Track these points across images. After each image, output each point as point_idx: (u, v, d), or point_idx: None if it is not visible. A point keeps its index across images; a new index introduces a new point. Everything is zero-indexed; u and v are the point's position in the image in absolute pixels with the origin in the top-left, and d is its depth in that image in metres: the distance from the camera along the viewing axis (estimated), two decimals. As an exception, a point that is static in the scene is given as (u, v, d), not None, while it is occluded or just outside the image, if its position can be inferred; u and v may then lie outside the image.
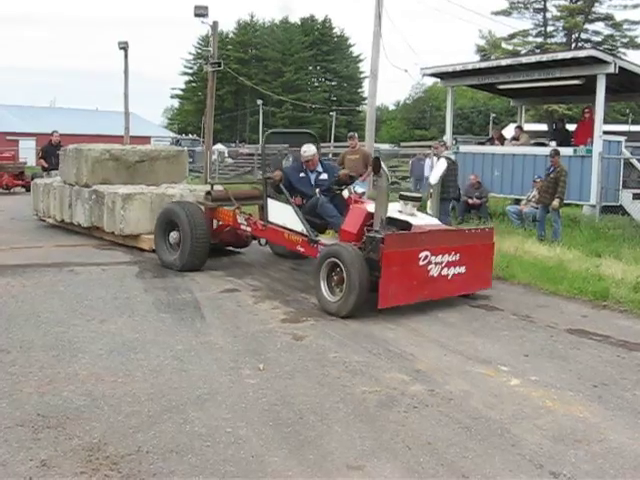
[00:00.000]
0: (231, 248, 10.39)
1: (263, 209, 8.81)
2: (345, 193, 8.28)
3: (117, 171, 12.00)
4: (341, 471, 3.68)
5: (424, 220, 7.88)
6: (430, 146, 15.94)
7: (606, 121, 15.09)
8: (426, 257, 7.12)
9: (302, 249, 8.12)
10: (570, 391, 4.96)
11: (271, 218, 8.57)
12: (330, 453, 3.88)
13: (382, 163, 7.29)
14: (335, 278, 7.13)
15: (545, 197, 12.16)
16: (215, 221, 9.62)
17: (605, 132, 14.38)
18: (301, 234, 8.08)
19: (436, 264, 7.23)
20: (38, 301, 7.20)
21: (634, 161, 14.90)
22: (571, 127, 17.36)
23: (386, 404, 4.62)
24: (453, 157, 12.45)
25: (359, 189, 8.31)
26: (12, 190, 22.13)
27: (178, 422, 4.22)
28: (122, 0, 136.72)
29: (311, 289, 8.07)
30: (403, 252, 7.00)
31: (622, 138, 14.97)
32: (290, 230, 8.25)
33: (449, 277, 7.41)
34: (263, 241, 9.65)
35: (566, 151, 13.74)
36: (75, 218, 11.95)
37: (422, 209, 8.32)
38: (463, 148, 17.02)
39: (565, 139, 15.62)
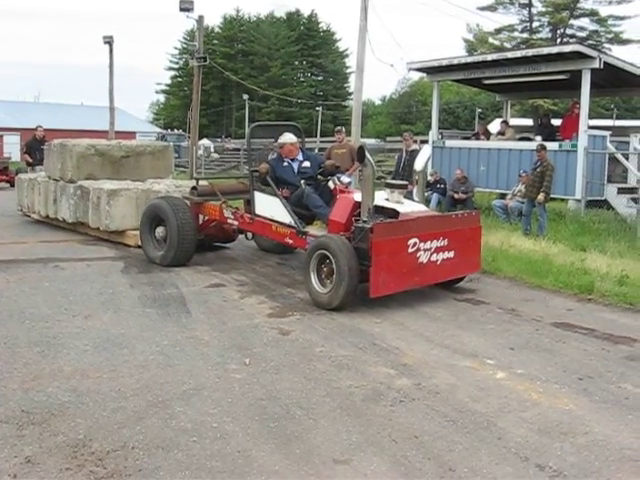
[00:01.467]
0: (218, 243, 10.36)
1: (250, 203, 8.78)
2: (331, 184, 8.27)
3: (102, 166, 11.93)
4: (327, 465, 3.68)
5: (411, 207, 7.89)
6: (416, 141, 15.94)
7: (591, 116, 15.14)
8: (415, 244, 7.15)
9: (290, 241, 8.11)
10: (555, 384, 4.98)
11: (258, 211, 8.55)
12: (316, 447, 3.87)
13: (367, 152, 7.28)
14: (325, 270, 7.13)
15: (531, 191, 12.20)
16: (201, 216, 9.59)
17: (590, 127, 14.44)
18: (289, 226, 8.07)
19: (425, 250, 7.27)
20: (22, 297, 7.15)
21: (619, 156, 14.95)
22: (556, 122, 17.42)
23: (372, 398, 4.62)
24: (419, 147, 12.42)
25: (345, 179, 8.28)
26: (-4, 186, 21.98)
27: (164, 417, 4.20)
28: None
29: (297, 284, 8.07)
30: (392, 240, 7.02)
31: (607, 133, 15.04)
32: (278, 222, 8.24)
33: (438, 262, 7.45)
34: (249, 235, 9.62)
35: (551, 146, 13.78)
36: (60, 214, 11.87)
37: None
38: (449, 143, 17.04)
39: (550, 134, 15.68)
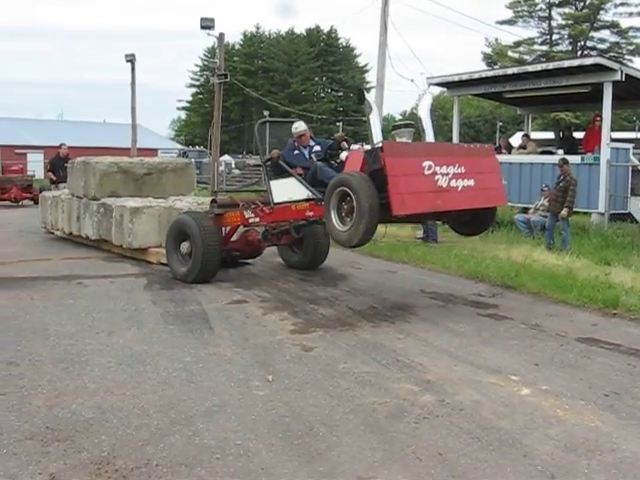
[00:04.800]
0: (244, 260, 10.37)
1: (268, 194, 8.83)
2: (343, 155, 8.34)
3: (125, 184, 12.02)
4: (351, 483, 3.66)
5: None
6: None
7: (613, 128, 15.06)
8: (430, 167, 7.17)
9: (312, 213, 8.14)
10: (581, 400, 4.92)
11: (276, 199, 8.60)
12: (340, 465, 3.85)
13: (365, 94, 7.53)
14: (345, 207, 7.15)
15: (555, 206, 12.14)
16: (224, 228, 9.64)
17: (612, 139, 14.35)
18: (307, 200, 8.14)
19: (443, 175, 7.27)
20: (47, 314, 7.21)
21: (642, 168, 14.85)
22: (578, 135, 17.33)
23: (396, 415, 4.58)
24: None
25: (354, 146, 8.46)
26: (20, 203, 22.27)
27: (187, 434, 4.20)
28: (129, 13, 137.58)
29: (320, 300, 8.07)
30: (405, 160, 7.08)
31: (630, 145, 14.94)
32: (297, 201, 8.30)
33: (459, 189, 7.41)
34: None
35: (574, 159, 13.72)
36: (83, 231, 11.98)
37: None
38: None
39: (572, 147, 15.61)
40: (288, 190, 8.41)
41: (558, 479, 3.72)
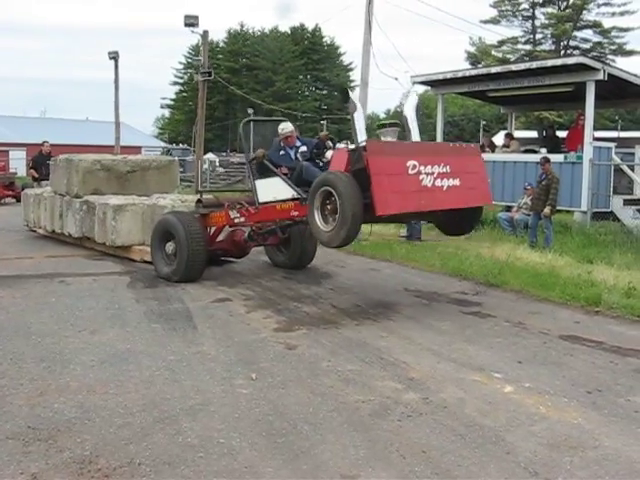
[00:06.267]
0: (230, 259, 10.34)
1: (253, 194, 8.81)
2: (328, 154, 8.36)
3: (108, 181, 11.95)
4: (335, 481, 3.66)
5: None
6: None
7: (595, 128, 15.16)
8: (415, 166, 7.16)
9: (296, 212, 8.14)
10: (564, 397, 4.95)
11: (261, 198, 8.58)
12: (324, 463, 3.85)
13: (350, 93, 7.56)
14: (329, 207, 7.15)
15: (537, 204, 12.20)
16: (209, 228, 9.61)
17: (595, 138, 14.45)
18: (292, 199, 8.14)
19: (427, 174, 7.25)
20: (29, 312, 7.15)
21: (624, 167, 14.97)
22: (561, 134, 17.43)
23: (380, 413, 4.59)
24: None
25: (339, 145, 8.46)
26: (2, 201, 22.06)
27: (170, 433, 4.18)
28: (113, 10, 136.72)
29: (303, 298, 8.07)
30: (389, 159, 7.06)
31: (612, 144, 15.04)
32: (281, 201, 8.30)
33: (444, 188, 7.41)
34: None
35: (557, 158, 13.81)
36: (66, 229, 11.90)
37: None
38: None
39: (555, 146, 15.70)
40: (273, 190, 8.40)
41: (541, 475, 3.74)
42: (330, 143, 8.70)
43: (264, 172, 8.64)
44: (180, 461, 3.81)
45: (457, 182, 7.51)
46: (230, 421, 4.39)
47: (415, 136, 8.19)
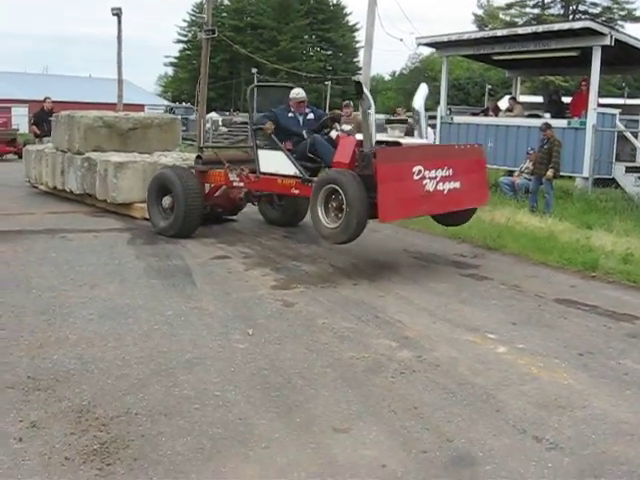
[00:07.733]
0: (225, 216, 10.38)
1: (254, 161, 8.81)
2: (333, 133, 8.37)
3: (110, 138, 11.92)
4: (327, 434, 3.73)
5: (412, 140, 8.02)
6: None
7: (602, 94, 15.05)
8: (420, 171, 7.19)
9: (297, 191, 8.16)
10: (556, 359, 5.01)
11: (263, 168, 8.59)
12: (317, 416, 3.92)
13: (364, 87, 7.37)
14: (333, 205, 7.18)
15: (539, 169, 12.16)
16: (207, 185, 9.63)
17: (600, 105, 14.35)
18: (294, 177, 8.14)
19: (431, 179, 7.29)
20: (30, 267, 7.22)
21: (628, 134, 14.88)
22: (566, 99, 17.30)
23: (373, 369, 4.66)
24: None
25: (346, 127, 8.44)
26: (4, 157, 22.02)
27: (167, 385, 4.26)
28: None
29: (302, 257, 8.13)
30: (396, 166, 7.06)
31: (616, 111, 14.93)
32: (283, 176, 8.30)
33: (445, 192, 7.47)
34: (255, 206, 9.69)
35: (560, 123, 13.74)
36: (67, 185, 11.91)
37: None
38: (457, 119, 16.96)
39: (560, 111, 15.59)
40: (275, 163, 8.39)
41: (529, 433, 3.81)
42: (337, 125, 8.69)
43: (268, 143, 8.64)
44: (176, 412, 3.89)
45: (457, 185, 7.58)
46: (226, 374, 4.47)
47: (423, 130, 8.26)
